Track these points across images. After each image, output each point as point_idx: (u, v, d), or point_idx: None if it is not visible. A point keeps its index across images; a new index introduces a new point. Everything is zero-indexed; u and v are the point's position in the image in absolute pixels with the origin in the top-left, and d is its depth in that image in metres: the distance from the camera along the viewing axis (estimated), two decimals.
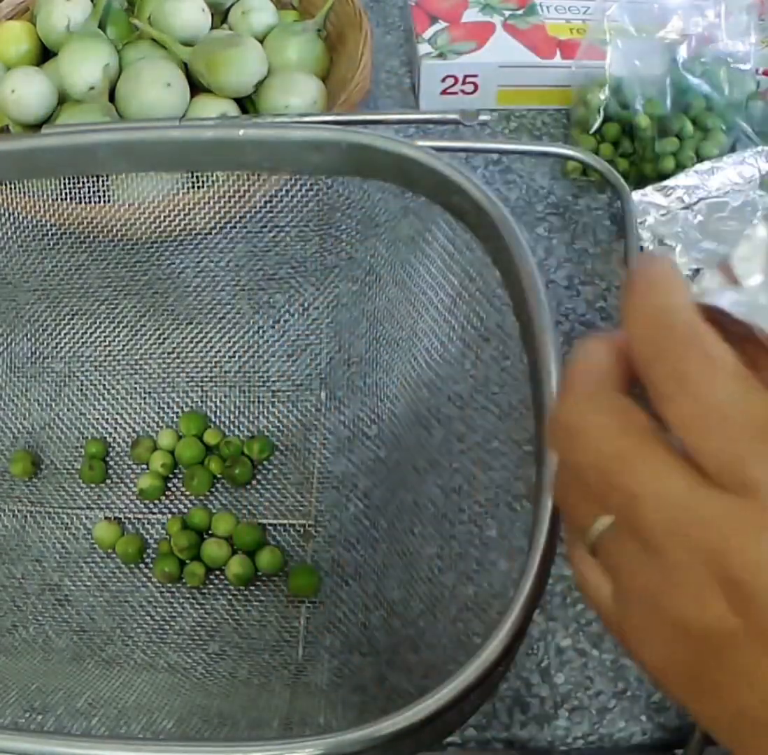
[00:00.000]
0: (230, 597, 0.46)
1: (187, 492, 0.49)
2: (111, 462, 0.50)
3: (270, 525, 0.48)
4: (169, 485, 0.49)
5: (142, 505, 0.49)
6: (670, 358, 0.21)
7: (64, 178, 0.46)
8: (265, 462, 0.50)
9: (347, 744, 0.29)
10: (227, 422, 0.51)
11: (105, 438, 0.51)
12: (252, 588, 0.46)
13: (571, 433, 0.23)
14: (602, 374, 0.23)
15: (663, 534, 0.21)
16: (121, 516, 0.49)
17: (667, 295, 0.22)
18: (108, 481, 0.50)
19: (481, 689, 0.30)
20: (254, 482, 0.49)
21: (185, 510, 0.49)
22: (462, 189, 0.39)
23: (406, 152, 0.41)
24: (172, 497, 0.49)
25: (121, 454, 0.50)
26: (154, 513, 0.49)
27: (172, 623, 0.45)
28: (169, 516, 0.48)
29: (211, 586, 0.46)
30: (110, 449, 0.51)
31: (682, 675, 0.22)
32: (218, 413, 0.51)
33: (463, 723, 0.34)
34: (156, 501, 0.49)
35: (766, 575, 0.20)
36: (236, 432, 0.51)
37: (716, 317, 0.22)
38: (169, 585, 0.46)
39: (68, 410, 0.51)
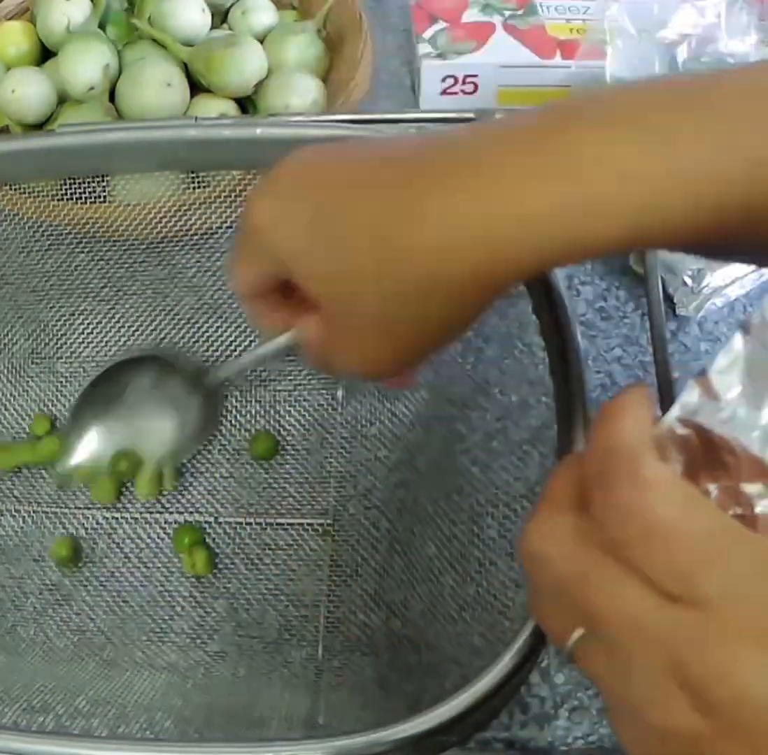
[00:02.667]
0: (230, 596, 0.46)
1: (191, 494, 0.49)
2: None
3: (288, 524, 0.48)
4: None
5: (141, 506, 0.49)
6: (608, 488, 0.23)
7: (66, 178, 0.46)
8: (270, 462, 0.50)
9: (375, 744, 0.29)
10: (226, 422, 0.51)
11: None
12: (251, 587, 0.46)
13: (534, 559, 0.25)
14: (566, 497, 0.25)
15: (626, 648, 0.23)
16: (120, 516, 0.49)
17: (621, 431, 0.24)
18: None
19: (510, 685, 0.30)
20: (258, 482, 0.49)
21: (185, 511, 0.49)
22: None
23: None
24: (171, 498, 0.49)
25: None
26: (151, 513, 0.49)
27: (172, 623, 0.45)
28: (167, 516, 0.48)
29: (211, 586, 0.46)
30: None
31: None
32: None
33: (491, 721, 0.35)
34: (155, 502, 0.49)
35: (723, 681, 0.21)
36: (236, 432, 0.51)
37: (699, 432, 0.24)
38: (169, 586, 0.46)
39: (68, 410, 0.51)
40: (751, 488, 0.23)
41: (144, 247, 0.48)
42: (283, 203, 0.32)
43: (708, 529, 0.22)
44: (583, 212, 0.26)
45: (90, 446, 0.46)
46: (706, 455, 0.24)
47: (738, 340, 0.24)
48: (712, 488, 0.24)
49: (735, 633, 0.21)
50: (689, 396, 0.24)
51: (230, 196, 0.46)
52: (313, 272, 0.31)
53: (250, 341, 0.51)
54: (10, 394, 0.52)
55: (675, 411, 0.24)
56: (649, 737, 0.23)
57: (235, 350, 0.51)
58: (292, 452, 0.50)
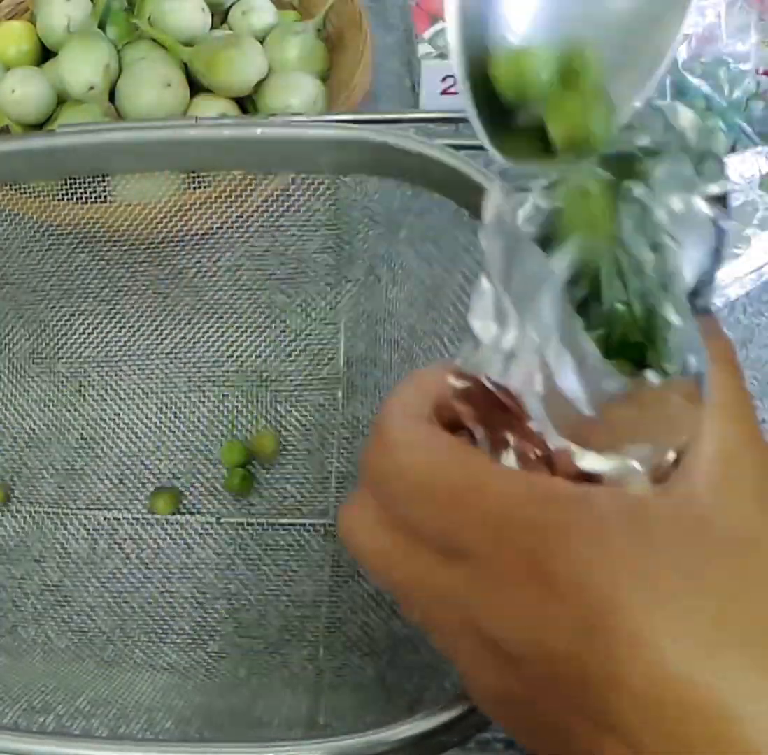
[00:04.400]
0: (231, 596, 0.46)
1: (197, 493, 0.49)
2: (110, 463, 0.50)
3: (289, 524, 0.48)
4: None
5: (142, 506, 0.49)
6: (366, 457, 0.24)
7: (66, 178, 0.46)
8: (271, 462, 0.50)
9: (375, 744, 0.29)
10: (226, 422, 0.51)
11: (104, 438, 0.51)
12: (252, 587, 0.46)
13: (343, 541, 0.25)
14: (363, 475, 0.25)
15: (432, 614, 0.23)
16: (120, 516, 0.49)
17: (385, 404, 0.24)
18: (107, 481, 0.50)
19: None
20: (258, 482, 0.49)
21: (185, 511, 0.49)
22: (481, 187, 0.39)
23: (427, 151, 0.41)
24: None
25: (120, 455, 0.50)
26: (152, 514, 0.49)
27: (172, 623, 0.45)
28: (168, 516, 0.48)
29: (211, 586, 0.46)
30: (110, 449, 0.51)
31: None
32: (217, 413, 0.51)
33: (491, 721, 0.34)
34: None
35: (501, 626, 0.21)
36: (235, 432, 0.51)
37: (475, 381, 0.23)
38: (169, 586, 0.46)
39: (68, 410, 0.51)
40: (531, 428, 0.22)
41: (144, 247, 0.48)
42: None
43: (458, 479, 0.22)
44: None
45: None
46: (490, 403, 0.23)
47: (483, 282, 0.23)
48: (509, 436, 0.23)
49: (501, 579, 0.21)
50: (465, 350, 0.23)
51: (230, 196, 0.46)
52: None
53: (250, 341, 0.51)
54: (10, 394, 0.52)
55: (454, 364, 0.23)
56: (490, 704, 0.23)
57: (235, 350, 0.51)
58: (293, 452, 0.50)
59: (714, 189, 0.22)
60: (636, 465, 0.21)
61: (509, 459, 0.22)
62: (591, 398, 0.21)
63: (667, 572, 0.20)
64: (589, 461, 0.21)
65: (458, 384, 0.23)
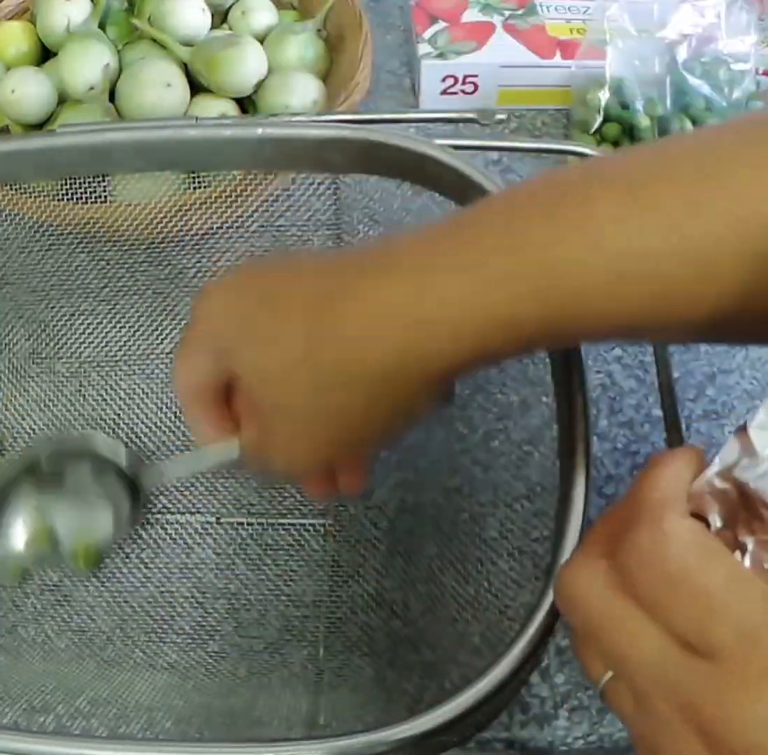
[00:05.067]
0: (231, 596, 0.46)
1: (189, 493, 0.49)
2: None
3: (289, 524, 0.48)
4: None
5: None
6: (630, 536, 0.25)
7: (66, 178, 0.46)
8: None
9: (375, 744, 0.29)
10: None
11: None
12: (252, 587, 0.46)
13: (568, 601, 0.26)
14: (601, 543, 0.26)
15: (648, 692, 0.24)
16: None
17: (654, 483, 0.26)
18: None
19: (510, 685, 0.31)
20: (258, 482, 0.49)
21: (186, 511, 0.49)
22: (481, 187, 0.39)
23: (427, 151, 0.41)
24: (172, 498, 0.49)
25: None
26: (153, 514, 0.49)
27: (172, 623, 0.45)
28: (168, 516, 0.48)
29: (211, 586, 0.46)
30: None
31: None
32: None
33: (491, 721, 0.35)
34: (156, 502, 0.49)
35: (737, 729, 0.22)
36: None
37: (738, 487, 0.24)
38: (169, 586, 0.46)
39: (68, 410, 0.51)
40: None
41: (144, 247, 0.48)
42: (230, 293, 0.34)
43: (723, 580, 0.23)
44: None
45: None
46: (745, 509, 0.24)
47: None
48: (749, 541, 0.24)
49: (747, 681, 0.22)
50: (729, 451, 0.25)
51: (230, 196, 0.46)
52: (248, 363, 0.33)
53: None
54: (10, 394, 0.52)
55: (715, 466, 0.25)
56: None
57: None
58: None
59: None
60: None
61: (744, 562, 0.24)
62: None
63: None
64: None
65: (720, 485, 0.25)
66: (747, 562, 0.24)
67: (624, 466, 0.49)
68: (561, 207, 0.29)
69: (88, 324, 0.51)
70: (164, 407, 0.51)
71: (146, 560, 0.47)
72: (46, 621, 0.45)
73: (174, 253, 0.48)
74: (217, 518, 0.48)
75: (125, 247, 0.48)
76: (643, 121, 0.58)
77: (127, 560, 0.47)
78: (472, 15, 0.67)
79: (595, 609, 0.25)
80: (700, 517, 0.25)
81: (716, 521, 0.25)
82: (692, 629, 0.23)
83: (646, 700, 0.24)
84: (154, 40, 0.59)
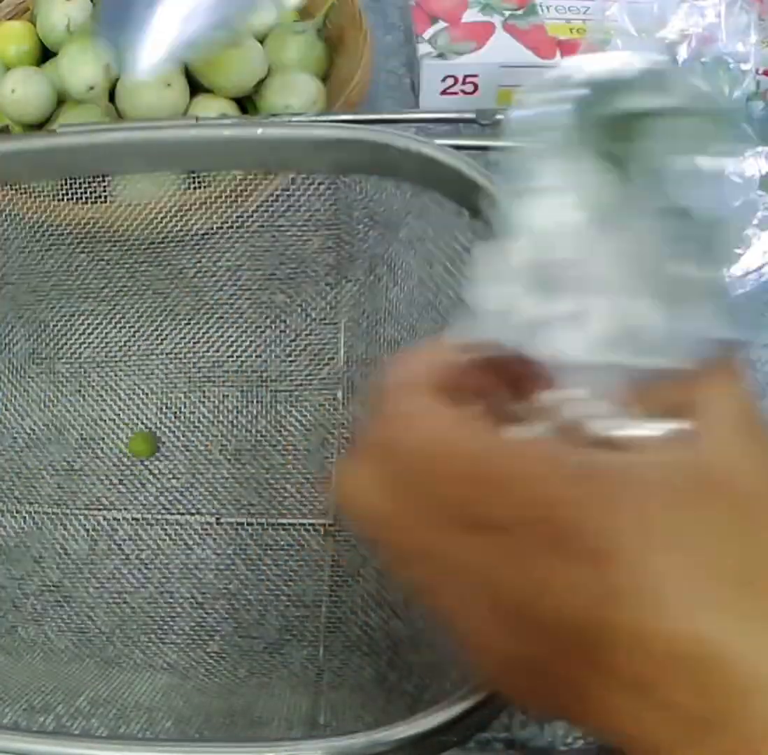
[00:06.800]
0: (231, 596, 0.46)
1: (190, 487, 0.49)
2: (110, 463, 0.50)
3: (289, 524, 0.48)
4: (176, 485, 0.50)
5: (141, 507, 0.49)
6: (375, 431, 0.24)
7: (66, 178, 0.46)
8: (271, 462, 0.50)
9: (375, 744, 0.29)
10: (226, 422, 0.51)
11: (104, 438, 0.51)
12: (252, 587, 0.46)
13: (348, 515, 0.25)
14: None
15: (427, 578, 0.24)
16: (120, 516, 0.49)
17: (393, 372, 0.25)
18: (107, 481, 0.50)
19: None
20: (258, 482, 0.49)
21: (185, 512, 0.49)
22: (481, 187, 0.39)
23: (427, 151, 0.41)
24: (172, 498, 0.49)
25: (120, 455, 0.50)
26: (152, 514, 0.49)
27: (172, 623, 0.45)
28: (168, 516, 0.48)
29: (211, 586, 0.46)
30: (110, 449, 0.51)
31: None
32: (217, 413, 0.51)
33: (491, 721, 0.35)
34: (155, 502, 0.49)
35: (537, 594, 0.21)
36: (235, 431, 0.51)
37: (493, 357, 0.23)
38: (169, 586, 0.46)
39: (68, 410, 0.51)
40: (549, 396, 0.22)
41: (144, 247, 0.48)
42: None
43: (479, 452, 0.22)
44: None
45: None
46: (498, 374, 0.23)
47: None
48: (521, 405, 0.23)
49: (530, 549, 0.21)
50: (459, 321, 0.24)
51: (230, 196, 0.46)
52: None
53: (250, 341, 0.51)
54: (10, 394, 0.52)
55: (455, 339, 0.24)
56: (499, 669, 0.23)
57: (235, 350, 0.51)
58: (293, 452, 0.50)
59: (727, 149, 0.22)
60: (662, 431, 0.22)
61: (521, 428, 0.23)
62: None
63: (697, 537, 0.21)
64: (627, 428, 0.22)
65: (466, 356, 0.23)
66: (527, 432, 0.22)
67: None
68: None
69: (88, 324, 0.51)
70: (164, 407, 0.51)
71: (146, 560, 0.47)
72: (45, 622, 0.45)
73: (174, 253, 0.48)
74: (217, 518, 0.48)
75: (125, 247, 0.48)
76: None
77: (126, 560, 0.47)
78: (472, 15, 0.67)
79: (366, 507, 0.24)
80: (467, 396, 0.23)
81: (485, 399, 0.23)
82: (462, 507, 0.22)
83: (440, 589, 0.23)
84: None
